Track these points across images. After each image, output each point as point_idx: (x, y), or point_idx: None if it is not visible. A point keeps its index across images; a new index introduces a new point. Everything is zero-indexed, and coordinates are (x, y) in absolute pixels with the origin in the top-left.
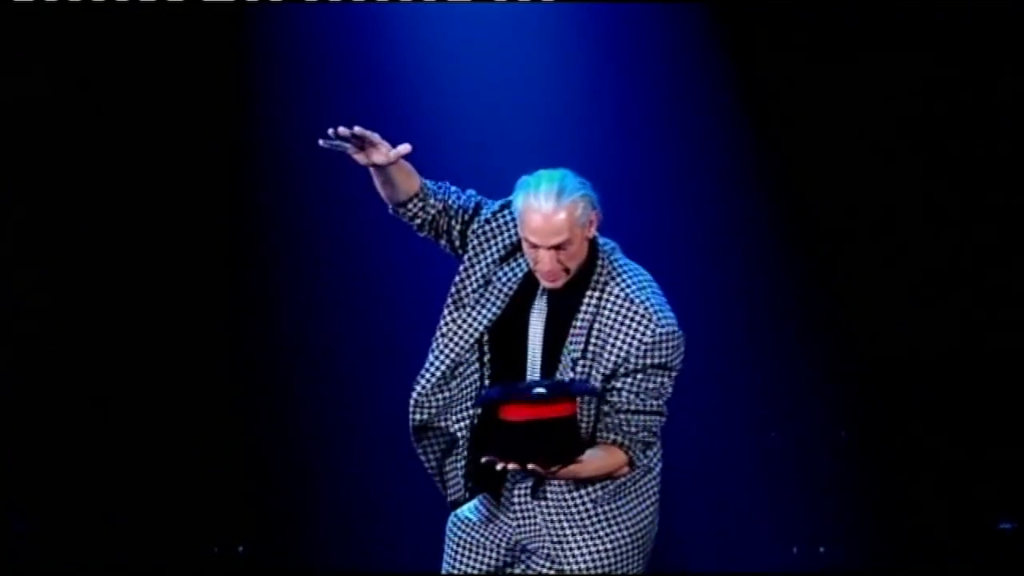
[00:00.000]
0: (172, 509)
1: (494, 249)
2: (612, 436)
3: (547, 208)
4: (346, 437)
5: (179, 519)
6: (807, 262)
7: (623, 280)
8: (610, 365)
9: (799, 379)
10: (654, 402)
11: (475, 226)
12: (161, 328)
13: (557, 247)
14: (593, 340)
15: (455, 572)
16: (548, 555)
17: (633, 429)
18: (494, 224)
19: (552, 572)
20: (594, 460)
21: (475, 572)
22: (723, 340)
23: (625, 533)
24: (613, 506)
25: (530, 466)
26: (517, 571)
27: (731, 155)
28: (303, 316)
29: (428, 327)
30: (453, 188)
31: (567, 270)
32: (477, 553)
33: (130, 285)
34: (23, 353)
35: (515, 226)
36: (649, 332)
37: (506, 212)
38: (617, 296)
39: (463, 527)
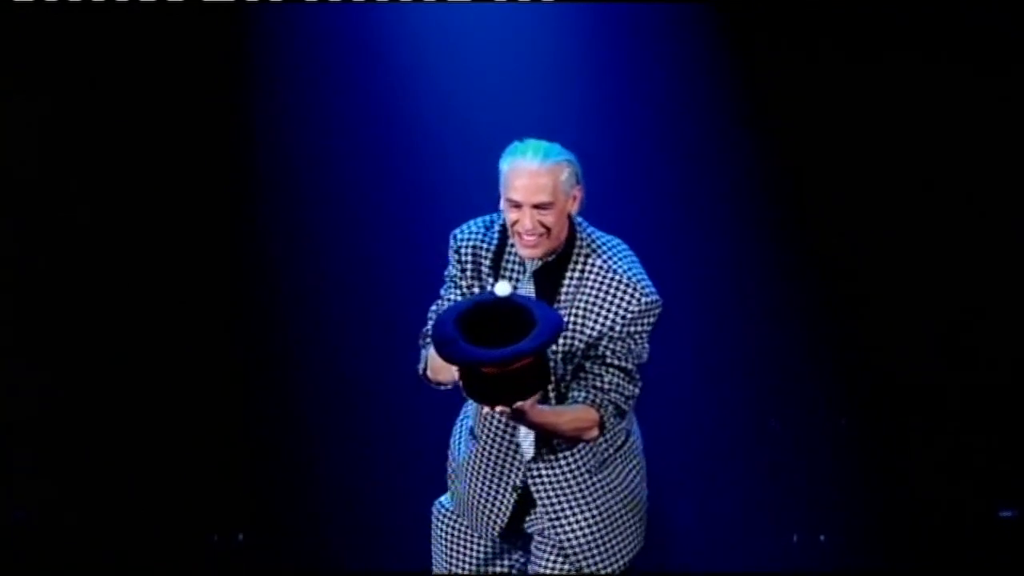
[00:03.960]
0: (172, 497)
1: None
2: (584, 394)
3: (533, 166)
4: (346, 425)
5: (179, 507)
6: (807, 253)
7: (604, 252)
8: (594, 334)
9: (799, 368)
10: (630, 364)
11: (461, 290)
12: (161, 318)
13: (539, 206)
14: (575, 311)
15: (452, 562)
16: (543, 532)
17: (607, 386)
18: (465, 266)
19: (554, 552)
20: (567, 412)
21: (473, 561)
22: (722, 329)
23: (617, 499)
24: (604, 474)
25: (499, 408)
26: (515, 556)
27: (735, 151)
28: (303, 309)
29: (425, 318)
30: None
31: (546, 234)
32: (469, 542)
33: (129, 277)
34: (24, 342)
35: (482, 248)
36: (634, 302)
37: (461, 250)
38: (600, 268)
39: (452, 517)
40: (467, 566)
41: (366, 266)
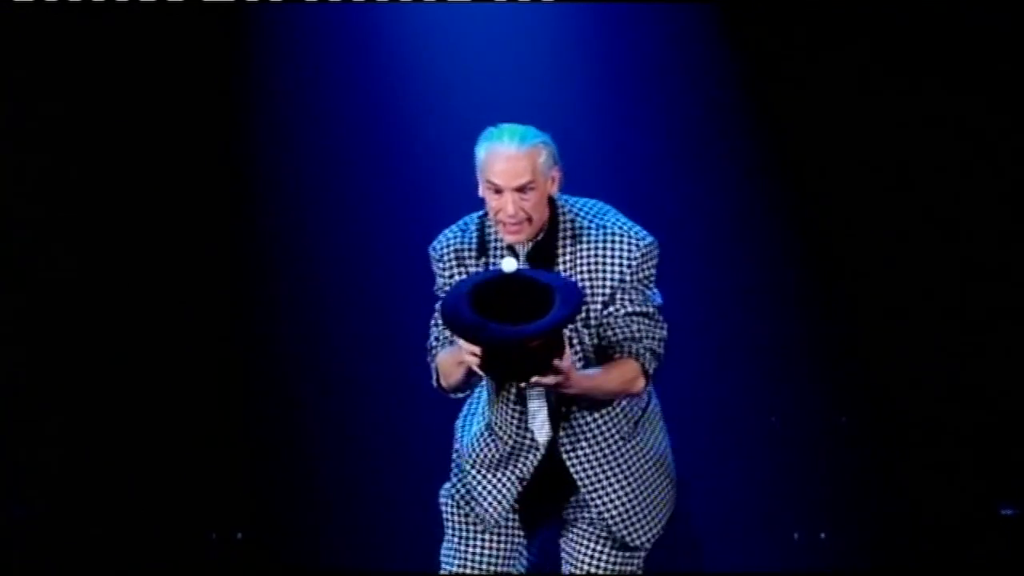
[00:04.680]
0: (171, 495)
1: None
2: (618, 349)
3: (511, 149)
4: (345, 423)
5: (178, 506)
6: (808, 252)
7: (588, 213)
8: (606, 291)
9: (799, 365)
10: (651, 308)
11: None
12: (161, 318)
13: (520, 189)
14: (579, 276)
15: (467, 547)
16: (579, 506)
17: (637, 334)
18: (452, 272)
19: (591, 524)
20: (609, 371)
21: (487, 547)
22: (724, 326)
23: (650, 463)
24: (637, 440)
25: (533, 380)
26: (532, 539)
27: (736, 151)
28: (303, 309)
29: (423, 316)
30: (436, 331)
31: (529, 219)
32: (480, 530)
33: (130, 277)
34: (25, 341)
35: (463, 248)
36: (634, 249)
37: (444, 258)
38: (589, 228)
39: (462, 504)
40: (481, 551)
41: (366, 266)
